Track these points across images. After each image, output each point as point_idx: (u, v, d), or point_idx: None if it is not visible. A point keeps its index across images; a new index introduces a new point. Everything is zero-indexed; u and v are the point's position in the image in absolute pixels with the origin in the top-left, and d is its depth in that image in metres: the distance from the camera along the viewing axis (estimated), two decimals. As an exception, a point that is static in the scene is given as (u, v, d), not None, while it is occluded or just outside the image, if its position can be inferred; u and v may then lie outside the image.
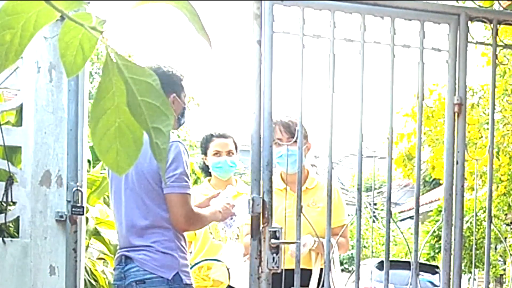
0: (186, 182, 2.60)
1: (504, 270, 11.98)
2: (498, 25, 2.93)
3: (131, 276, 2.62)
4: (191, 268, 3.23)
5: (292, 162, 3.03)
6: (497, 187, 8.75)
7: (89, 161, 3.57)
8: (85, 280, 3.48)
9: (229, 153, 3.62)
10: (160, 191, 2.60)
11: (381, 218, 21.62)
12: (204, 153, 3.66)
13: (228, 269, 3.32)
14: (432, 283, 11.35)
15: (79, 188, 3.01)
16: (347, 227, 3.26)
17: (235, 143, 3.68)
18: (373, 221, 22.24)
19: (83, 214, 3.04)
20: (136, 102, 0.78)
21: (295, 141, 2.76)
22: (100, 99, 0.80)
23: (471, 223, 10.40)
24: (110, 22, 0.80)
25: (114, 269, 2.78)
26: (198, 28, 0.83)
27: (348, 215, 3.32)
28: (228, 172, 3.63)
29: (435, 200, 15.86)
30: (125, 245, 2.68)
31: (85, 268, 3.52)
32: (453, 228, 2.85)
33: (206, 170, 3.73)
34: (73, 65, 0.82)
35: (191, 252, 3.63)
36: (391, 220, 2.87)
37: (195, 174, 7.17)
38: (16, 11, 0.78)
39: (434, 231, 11.57)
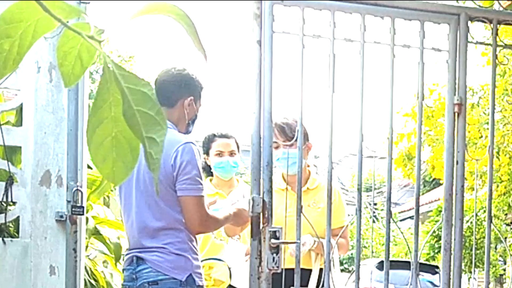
0: (200, 184, 2.60)
1: (504, 270, 11.98)
2: (498, 25, 2.93)
3: (143, 277, 2.60)
4: None
5: (292, 164, 3.04)
6: (497, 186, 8.76)
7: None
8: (85, 280, 3.48)
9: (231, 153, 3.62)
10: (174, 193, 2.59)
11: (381, 218, 21.62)
12: (206, 153, 3.66)
13: (229, 269, 3.32)
14: (432, 283, 11.35)
15: (79, 188, 3.01)
16: (347, 228, 3.26)
17: (237, 143, 3.68)
18: (373, 221, 22.24)
19: (83, 214, 3.04)
20: (132, 112, 0.78)
21: (292, 143, 2.76)
22: (97, 109, 0.80)
23: (471, 223, 10.40)
24: (108, 30, 0.80)
25: (123, 270, 2.76)
26: (195, 42, 0.83)
27: (348, 215, 3.32)
28: (230, 172, 3.63)
29: (435, 200, 15.87)
30: (137, 246, 2.66)
31: (85, 268, 3.51)
32: (453, 228, 2.86)
33: (207, 170, 3.72)
34: (71, 75, 0.82)
35: None
36: (391, 220, 2.87)
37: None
38: (15, 20, 0.78)
39: (434, 231, 11.57)
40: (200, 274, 2.67)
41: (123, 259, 2.86)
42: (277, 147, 3.04)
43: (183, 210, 2.60)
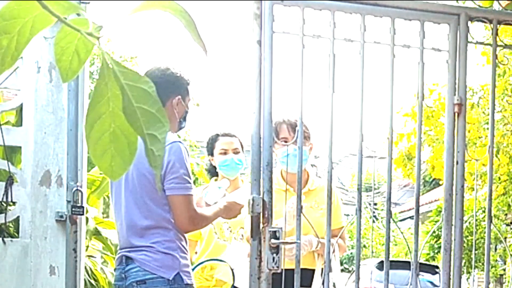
0: (189, 183, 2.61)
1: (504, 270, 11.98)
2: (498, 25, 2.93)
3: (131, 277, 2.62)
4: (194, 268, 3.23)
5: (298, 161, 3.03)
6: (497, 187, 8.76)
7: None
8: (85, 280, 3.48)
9: (235, 151, 3.61)
10: (162, 192, 2.61)
11: (381, 218, 21.62)
12: (211, 153, 3.64)
13: (232, 270, 3.32)
14: (432, 283, 11.34)
15: (79, 188, 3.01)
16: (344, 229, 3.27)
17: (240, 142, 3.67)
18: (373, 221, 22.24)
19: (83, 214, 3.04)
20: (132, 109, 0.78)
21: (296, 141, 2.76)
22: (95, 104, 0.80)
23: (469, 223, 10.41)
24: (107, 28, 0.80)
25: (114, 270, 2.78)
26: (194, 36, 0.83)
27: (348, 215, 3.33)
28: (235, 170, 3.62)
29: (435, 200, 15.87)
30: (126, 245, 2.68)
31: (85, 268, 3.52)
32: (453, 228, 2.86)
33: (212, 172, 3.71)
34: (68, 70, 0.82)
35: (196, 252, 3.62)
36: (391, 220, 2.87)
37: (194, 174, 7.17)
38: (13, 16, 0.78)
39: (434, 231, 11.57)
40: (189, 272, 2.68)
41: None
42: (285, 144, 3.03)
43: (172, 209, 2.61)
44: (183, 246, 2.67)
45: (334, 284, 2.87)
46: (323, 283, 3.01)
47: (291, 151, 3.06)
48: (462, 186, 2.87)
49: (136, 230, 2.64)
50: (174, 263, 2.61)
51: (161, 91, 2.67)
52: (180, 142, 2.63)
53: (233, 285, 3.30)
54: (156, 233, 2.62)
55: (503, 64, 3.53)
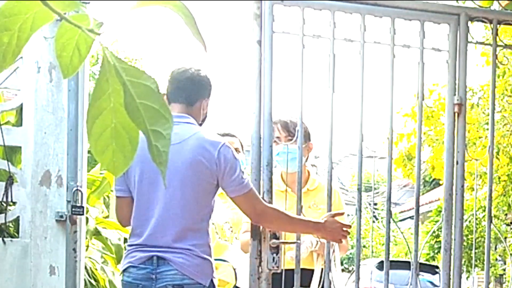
0: (245, 179, 2.58)
1: (504, 270, 11.98)
2: (498, 25, 2.93)
3: (167, 279, 2.50)
4: None
5: (291, 160, 3.02)
6: (496, 186, 8.75)
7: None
8: (85, 280, 3.48)
9: (236, 151, 3.61)
10: (209, 192, 2.56)
11: (381, 218, 21.62)
12: None
13: (234, 269, 3.31)
14: (432, 283, 11.35)
15: (79, 188, 3.01)
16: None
17: (241, 143, 3.68)
18: (373, 221, 22.25)
19: (83, 214, 3.04)
20: (134, 105, 0.78)
21: (295, 140, 2.76)
22: (96, 100, 0.80)
23: (469, 222, 10.41)
24: (109, 25, 0.80)
25: (131, 267, 2.58)
26: (194, 32, 0.83)
27: (348, 215, 3.32)
28: None
29: (435, 200, 15.88)
30: (159, 244, 2.54)
31: (85, 268, 3.51)
32: (453, 228, 2.86)
33: None
34: (69, 66, 0.82)
35: None
36: (391, 220, 2.87)
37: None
38: (13, 12, 0.79)
39: (434, 231, 11.58)
40: (215, 278, 2.63)
41: (126, 256, 2.73)
42: (278, 143, 3.03)
43: (239, 208, 2.61)
44: (212, 251, 2.62)
45: (333, 284, 2.86)
46: (321, 283, 3.01)
47: (281, 149, 3.05)
48: (462, 186, 2.87)
49: (175, 230, 2.52)
50: (210, 269, 2.55)
51: (194, 90, 2.67)
52: (226, 143, 2.60)
53: (235, 285, 3.30)
54: (195, 236, 2.53)
55: (503, 64, 3.52)
